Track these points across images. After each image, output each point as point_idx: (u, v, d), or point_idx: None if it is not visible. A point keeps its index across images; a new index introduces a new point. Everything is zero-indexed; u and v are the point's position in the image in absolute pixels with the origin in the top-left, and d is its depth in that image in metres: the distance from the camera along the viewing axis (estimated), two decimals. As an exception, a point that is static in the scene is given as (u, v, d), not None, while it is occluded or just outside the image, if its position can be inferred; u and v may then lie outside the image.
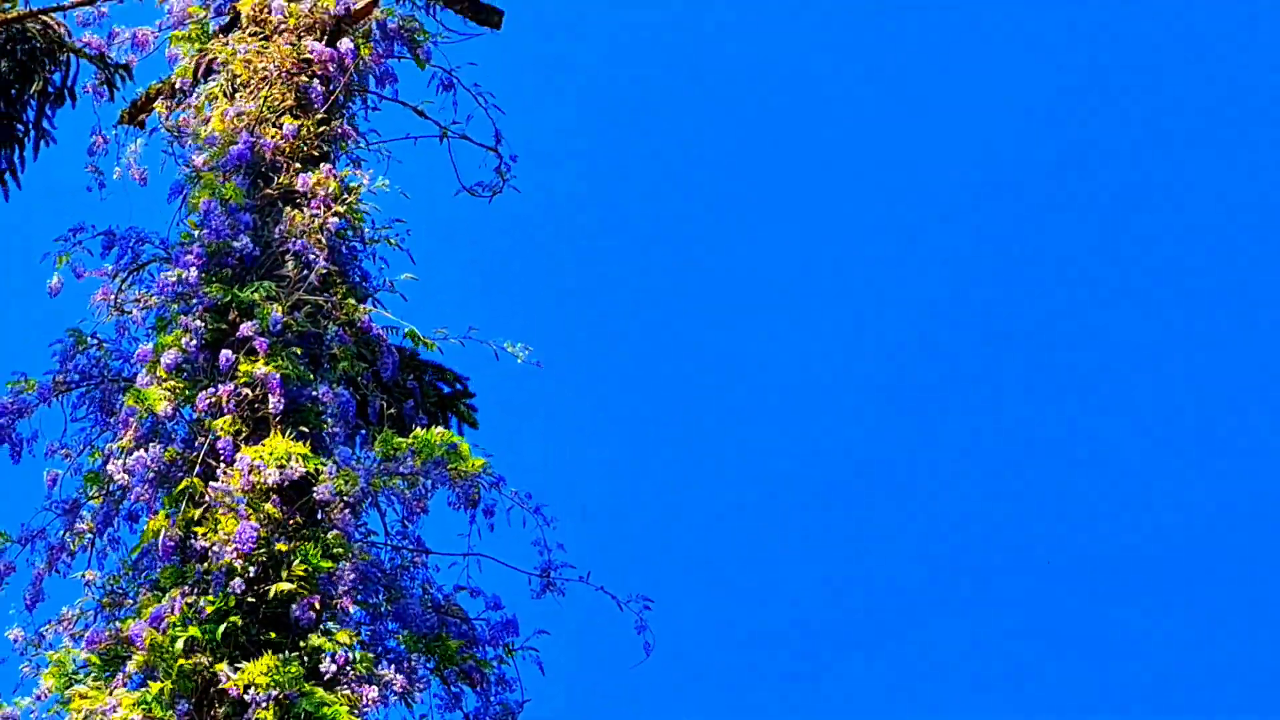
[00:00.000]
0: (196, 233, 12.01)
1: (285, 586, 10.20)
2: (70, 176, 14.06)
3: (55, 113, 14.25)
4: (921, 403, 24.95)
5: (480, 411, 12.96)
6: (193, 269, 11.74)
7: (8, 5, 14.00)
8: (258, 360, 11.19)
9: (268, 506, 10.49)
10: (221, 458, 10.81)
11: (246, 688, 9.80)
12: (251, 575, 10.24)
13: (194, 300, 11.68)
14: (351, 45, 12.94)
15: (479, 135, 13.55)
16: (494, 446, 11.58)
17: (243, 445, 10.85)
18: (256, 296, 11.49)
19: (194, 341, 11.45)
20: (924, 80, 26.58)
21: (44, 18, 14.17)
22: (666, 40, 26.58)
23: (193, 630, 10.17)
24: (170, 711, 10.07)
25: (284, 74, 12.77)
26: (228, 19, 13.66)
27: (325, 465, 10.72)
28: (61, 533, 11.35)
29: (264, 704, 9.73)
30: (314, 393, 11.25)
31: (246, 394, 11.12)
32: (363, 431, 11.87)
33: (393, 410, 11.86)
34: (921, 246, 25.69)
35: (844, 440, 24.57)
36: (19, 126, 14.33)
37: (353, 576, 10.40)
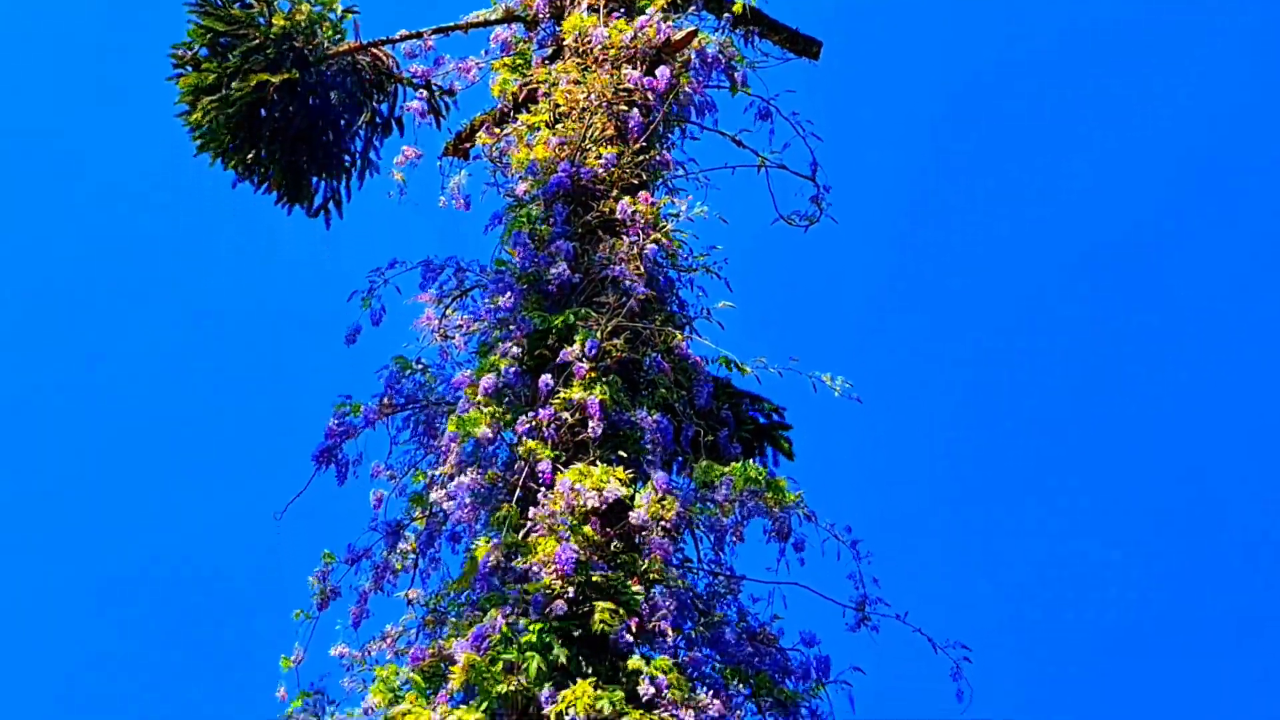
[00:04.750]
0: (515, 259, 12.18)
1: (606, 608, 10.26)
2: (390, 207, 14.42)
3: (382, 143, 14.63)
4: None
5: (796, 444, 12.91)
6: (511, 295, 11.91)
7: (338, 38, 14.39)
8: (576, 385, 11.29)
9: (586, 530, 10.56)
10: (541, 481, 10.92)
11: (567, 709, 9.86)
12: (570, 597, 10.32)
13: (513, 326, 11.83)
14: (670, 74, 13.03)
15: (796, 164, 13.55)
16: (808, 477, 11.56)
17: (562, 469, 10.95)
18: (575, 321, 11.61)
19: (513, 367, 11.58)
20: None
21: (374, 50, 14.55)
22: (983, 67, 26.25)
23: (513, 652, 10.27)
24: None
25: (604, 103, 12.91)
26: (550, 50, 13.86)
27: (643, 490, 10.76)
28: (386, 553, 11.59)
29: (583, 726, 9.77)
30: (632, 418, 11.31)
31: (566, 419, 11.22)
32: (678, 459, 11.89)
33: (709, 438, 11.85)
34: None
35: (1180, 485, 23.95)
36: (346, 157, 14.72)
37: (670, 602, 10.41)
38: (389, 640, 11.26)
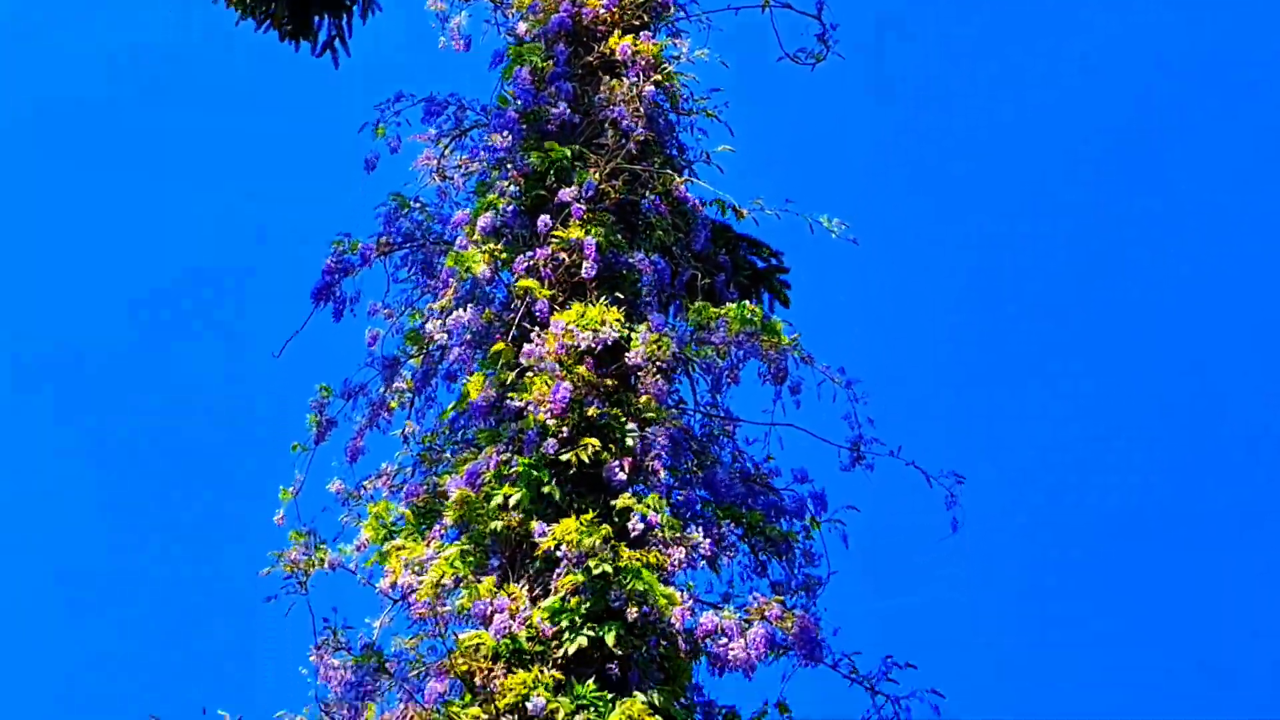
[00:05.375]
0: (515, 99, 12.11)
1: (596, 445, 10.31)
2: (396, 46, 14.27)
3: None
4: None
5: (793, 289, 12.89)
6: (510, 134, 11.85)
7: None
8: (574, 226, 11.28)
9: (581, 369, 10.59)
10: (537, 320, 10.94)
11: (557, 545, 9.95)
12: (564, 436, 10.36)
13: (511, 166, 11.79)
14: (672, -86, 12.86)
15: (801, 3, 13.41)
16: (804, 321, 11.56)
17: (558, 309, 10.96)
18: (573, 162, 11.58)
19: (511, 206, 11.56)
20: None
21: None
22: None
23: (507, 489, 10.34)
24: (483, 565, 10.29)
25: (606, -58, 12.75)
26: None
27: (639, 331, 10.77)
28: (382, 389, 11.63)
29: (574, 561, 9.86)
30: (629, 260, 11.30)
31: (563, 259, 11.22)
32: (675, 302, 11.89)
33: (705, 282, 11.84)
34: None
35: (1168, 333, 23.84)
36: (346, -4, 14.60)
37: (664, 441, 10.45)
38: (384, 478, 11.33)
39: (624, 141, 11.73)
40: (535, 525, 10.11)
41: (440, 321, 11.24)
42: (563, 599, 9.84)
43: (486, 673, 9.72)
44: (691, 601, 10.02)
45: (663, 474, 10.40)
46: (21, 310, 24.17)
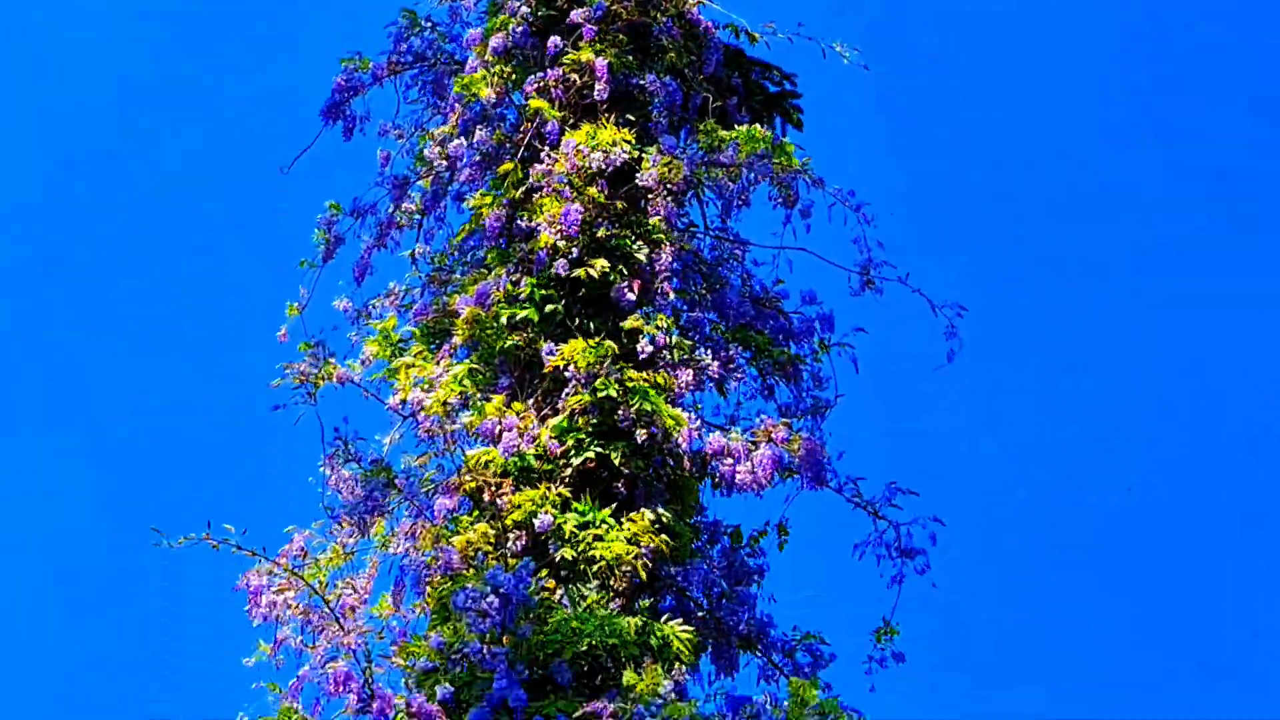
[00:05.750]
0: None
1: (604, 265, 10.30)
2: None
3: None
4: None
5: (805, 114, 12.79)
6: (523, -47, 11.70)
7: None
8: (585, 47, 11.19)
9: (591, 190, 10.55)
10: (547, 142, 10.87)
11: (565, 365, 9.98)
12: (574, 256, 10.35)
13: (524, -15, 11.67)
14: None
15: None
16: (816, 146, 11.48)
17: (569, 130, 10.91)
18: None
19: (521, 27, 11.46)
20: None
21: None
22: None
23: (516, 309, 10.35)
24: (492, 384, 10.32)
25: None
26: None
27: (649, 153, 10.72)
28: (391, 209, 11.60)
29: (582, 381, 9.90)
30: (640, 82, 11.22)
31: (574, 80, 11.15)
32: (686, 126, 11.82)
33: (717, 105, 11.76)
34: None
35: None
36: None
37: (673, 262, 10.44)
38: (392, 297, 11.33)
39: (636, -40, 11.60)
40: (544, 345, 10.13)
41: (442, 147, 11.18)
42: (570, 418, 9.89)
43: (494, 489, 9.80)
44: (699, 423, 10.07)
45: (672, 295, 10.41)
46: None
